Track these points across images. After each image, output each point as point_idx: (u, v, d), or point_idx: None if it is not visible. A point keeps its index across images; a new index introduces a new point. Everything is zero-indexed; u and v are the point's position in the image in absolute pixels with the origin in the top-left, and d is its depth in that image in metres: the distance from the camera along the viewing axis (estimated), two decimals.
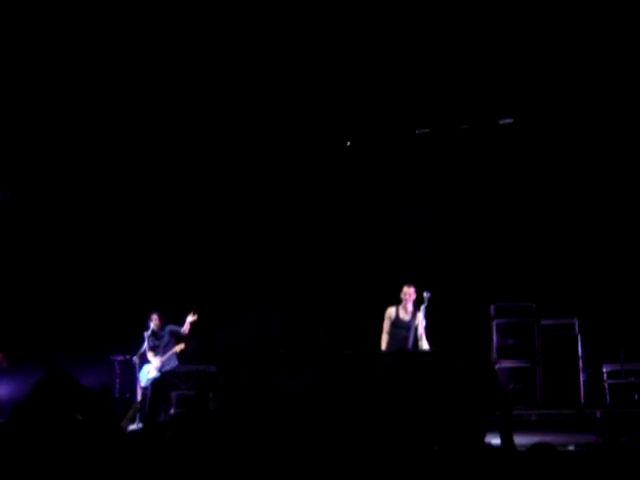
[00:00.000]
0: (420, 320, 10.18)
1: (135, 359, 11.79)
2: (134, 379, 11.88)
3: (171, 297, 12.69)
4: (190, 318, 11.57)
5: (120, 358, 12.40)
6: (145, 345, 11.69)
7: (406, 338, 10.19)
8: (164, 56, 11.95)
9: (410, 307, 10.34)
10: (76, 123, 12.84)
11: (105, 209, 13.44)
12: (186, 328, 11.64)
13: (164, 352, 11.74)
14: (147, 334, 11.69)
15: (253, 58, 11.93)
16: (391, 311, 10.39)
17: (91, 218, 13.36)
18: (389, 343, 10.31)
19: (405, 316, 10.35)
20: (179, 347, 11.78)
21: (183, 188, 13.70)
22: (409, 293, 10.33)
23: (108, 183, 13.39)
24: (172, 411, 11.12)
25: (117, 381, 12.30)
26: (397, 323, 10.32)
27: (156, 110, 12.90)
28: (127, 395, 12.19)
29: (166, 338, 11.80)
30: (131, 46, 11.67)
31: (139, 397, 11.61)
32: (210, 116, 13.10)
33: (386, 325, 10.38)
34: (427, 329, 10.26)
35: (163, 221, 13.64)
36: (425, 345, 10.18)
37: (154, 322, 11.75)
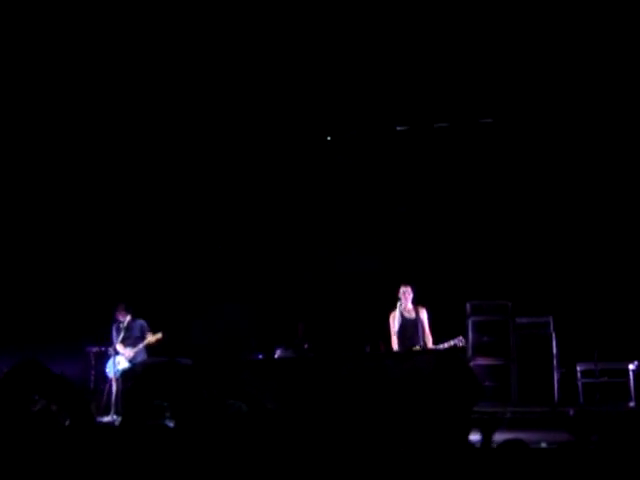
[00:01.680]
0: (424, 315, 10.52)
1: (111, 350, 11.79)
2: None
3: (147, 289, 12.67)
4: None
5: (95, 349, 12.36)
6: (117, 336, 11.70)
7: (414, 335, 10.44)
8: (155, 58, 11.93)
9: (410, 305, 10.59)
10: (49, 119, 12.76)
11: (81, 202, 13.35)
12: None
13: (135, 344, 11.78)
14: (122, 325, 11.72)
15: (235, 56, 11.90)
16: (396, 313, 10.56)
17: (67, 211, 13.27)
18: (400, 342, 10.49)
19: (409, 314, 10.57)
20: (156, 337, 11.80)
21: (158, 184, 13.63)
22: (407, 292, 10.60)
23: (83, 178, 13.30)
24: None
25: (92, 372, 12.27)
26: (405, 322, 10.52)
27: (133, 108, 12.85)
28: (102, 386, 12.14)
29: (137, 331, 11.85)
30: (122, 48, 11.66)
31: (114, 388, 11.56)
32: (188, 115, 13.06)
33: (394, 326, 10.53)
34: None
35: (138, 214, 13.58)
36: (429, 340, 10.44)
37: (121, 313, 11.80)
